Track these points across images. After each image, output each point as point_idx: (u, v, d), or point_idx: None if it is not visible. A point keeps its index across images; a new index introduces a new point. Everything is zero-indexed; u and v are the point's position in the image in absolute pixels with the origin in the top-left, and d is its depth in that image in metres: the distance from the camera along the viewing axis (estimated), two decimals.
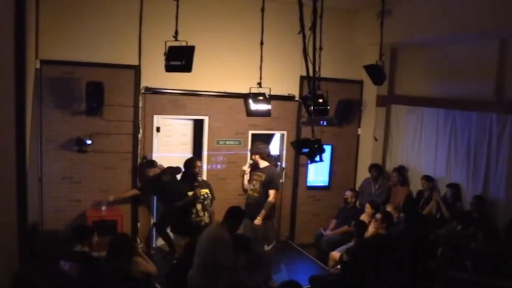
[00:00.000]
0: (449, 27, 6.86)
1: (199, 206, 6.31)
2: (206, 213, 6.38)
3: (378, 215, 6.83)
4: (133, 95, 7.67)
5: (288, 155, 8.81)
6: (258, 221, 6.82)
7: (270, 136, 8.94)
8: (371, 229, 6.90)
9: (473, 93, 7.32)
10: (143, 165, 7.52)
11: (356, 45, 8.91)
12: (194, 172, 6.39)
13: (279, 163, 8.73)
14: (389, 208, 7.42)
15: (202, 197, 6.34)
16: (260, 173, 7.14)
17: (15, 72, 4.22)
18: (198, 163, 6.50)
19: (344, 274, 5.38)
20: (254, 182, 7.17)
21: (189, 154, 8.44)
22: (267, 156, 7.24)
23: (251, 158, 7.26)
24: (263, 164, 7.16)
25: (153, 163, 7.44)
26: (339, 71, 8.73)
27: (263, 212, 6.85)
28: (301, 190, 9.07)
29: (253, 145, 7.43)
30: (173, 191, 6.79)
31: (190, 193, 6.27)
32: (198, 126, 8.57)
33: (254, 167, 7.34)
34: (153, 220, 8.11)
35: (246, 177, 7.40)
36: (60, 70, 7.24)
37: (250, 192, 7.30)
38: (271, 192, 6.96)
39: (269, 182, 7.04)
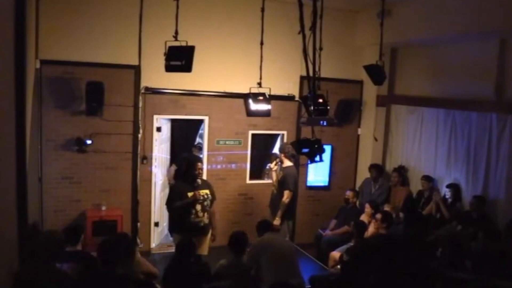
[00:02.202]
0: (449, 27, 6.86)
1: (198, 207, 6.30)
2: (205, 213, 6.38)
3: (378, 215, 6.83)
4: (133, 95, 7.68)
5: None
6: (276, 221, 7.09)
7: (274, 137, 8.96)
8: (371, 229, 6.90)
9: (473, 93, 7.32)
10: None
11: (356, 45, 8.91)
12: (194, 173, 6.39)
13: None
14: (386, 208, 7.42)
15: (202, 198, 6.34)
16: (281, 172, 7.36)
17: (15, 72, 4.21)
18: (199, 165, 6.49)
19: (344, 274, 5.37)
20: (277, 179, 7.42)
21: (167, 155, 8.56)
22: (291, 157, 7.35)
23: (277, 156, 7.54)
24: (286, 163, 7.33)
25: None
26: (339, 71, 8.73)
27: (279, 212, 7.12)
28: (301, 190, 9.01)
29: (281, 144, 7.76)
30: (173, 190, 6.78)
31: (190, 194, 6.28)
32: (178, 125, 8.65)
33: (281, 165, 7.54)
34: (154, 220, 8.14)
35: (274, 174, 7.51)
36: (60, 70, 7.25)
37: (273, 187, 7.55)
38: (285, 193, 7.15)
39: (283, 182, 7.24)
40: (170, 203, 6.43)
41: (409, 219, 6.93)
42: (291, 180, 7.19)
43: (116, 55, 7.48)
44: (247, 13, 7.70)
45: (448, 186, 7.42)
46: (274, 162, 7.50)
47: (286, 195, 7.12)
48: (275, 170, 7.51)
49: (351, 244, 6.99)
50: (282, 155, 7.36)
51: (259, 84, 6.74)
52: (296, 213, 7.87)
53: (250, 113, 7.36)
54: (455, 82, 7.68)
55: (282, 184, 7.25)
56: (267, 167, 8.15)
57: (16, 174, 4.36)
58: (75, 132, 7.35)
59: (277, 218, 7.10)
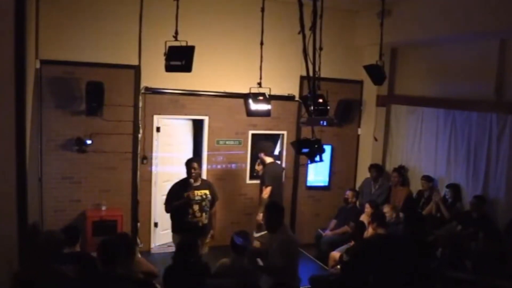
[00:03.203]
0: (449, 27, 6.86)
1: (196, 207, 6.30)
2: (203, 214, 6.37)
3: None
4: (133, 95, 7.68)
5: (288, 155, 8.81)
6: (258, 216, 7.16)
7: (276, 137, 8.97)
8: (371, 229, 6.89)
9: (473, 93, 7.32)
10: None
11: (356, 45, 8.92)
12: (188, 173, 6.40)
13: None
14: (386, 209, 7.42)
15: (200, 198, 6.34)
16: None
17: (15, 72, 4.22)
18: (195, 165, 6.48)
19: (344, 274, 5.38)
20: None
21: (189, 154, 8.47)
22: (271, 153, 7.47)
23: (258, 157, 7.61)
24: (267, 160, 7.43)
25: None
26: (339, 71, 8.73)
27: (259, 207, 7.20)
28: (301, 190, 9.07)
29: (259, 144, 7.75)
30: (170, 190, 6.80)
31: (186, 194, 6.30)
32: (198, 125, 8.59)
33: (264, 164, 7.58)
34: (154, 220, 8.15)
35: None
36: (60, 70, 7.25)
37: None
38: (264, 188, 7.26)
39: (262, 178, 7.41)
40: (166, 203, 6.45)
41: (409, 219, 6.93)
42: (269, 176, 7.29)
43: (116, 55, 7.48)
44: (247, 13, 7.69)
45: (448, 186, 7.43)
46: (257, 163, 7.55)
47: (265, 191, 7.22)
48: (261, 169, 7.58)
49: (351, 244, 6.99)
50: (262, 154, 7.45)
51: (259, 84, 6.73)
52: (295, 211, 7.92)
53: (250, 113, 7.36)
54: (455, 82, 7.68)
55: (262, 181, 7.43)
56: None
57: (16, 174, 4.36)
58: (75, 132, 7.35)
59: (259, 214, 7.15)
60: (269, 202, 6.25)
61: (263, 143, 7.70)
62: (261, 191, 7.37)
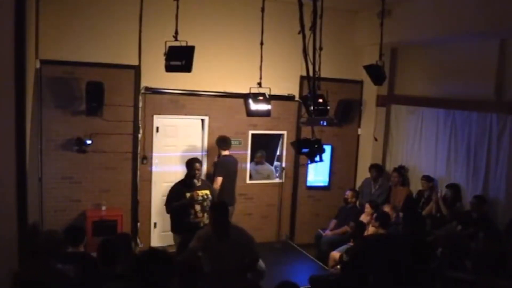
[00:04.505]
0: (449, 27, 6.86)
1: (197, 207, 6.31)
2: (205, 214, 6.38)
3: (375, 215, 6.85)
4: (133, 95, 7.68)
5: (288, 155, 8.81)
6: None
7: (277, 137, 8.98)
8: (371, 229, 6.90)
9: (473, 93, 7.32)
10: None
11: (356, 45, 8.92)
12: (191, 174, 6.40)
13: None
14: (386, 209, 7.42)
15: (201, 198, 6.34)
16: None
17: (15, 72, 4.21)
18: (197, 165, 6.49)
19: (344, 274, 5.38)
20: None
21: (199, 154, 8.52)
22: (225, 146, 7.65)
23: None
24: (223, 153, 7.65)
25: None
26: (339, 71, 8.73)
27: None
28: (301, 190, 9.07)
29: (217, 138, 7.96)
30: (171, 191, 6.81)
31: (188, 194, 6.29)
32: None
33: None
34: (154, 220, 8.15)
35: None
36: (60, 70, 7.25)
37: None
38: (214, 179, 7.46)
39: (214, 169, 7.61)
40: (167, 203, 6.44)
41: (409, 219, 6.94)
42: (219, 168, 7.48)
43: (116, 55, 7.48)
44: (247, 13, 7.70)
45: (448, 186, 7.42)
46: (217, 156, 7.77)
47: (215, 182, 7.35)
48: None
49: (351, 244, 6.99)
50: (218, 147, 7.67)
51: (259, 84, 6.73)
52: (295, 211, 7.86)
53: (250, 113, 7.37)
54: (455, 82, 7.68)
55: (213, 172, 7.60)
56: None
57: (16, 174, 4.36)
58: (75, 132, 7.35)
59: None
60: (213, 202, 6.28)
61: (219, 137, 7.85)
62: (212, 182, 7.46)
